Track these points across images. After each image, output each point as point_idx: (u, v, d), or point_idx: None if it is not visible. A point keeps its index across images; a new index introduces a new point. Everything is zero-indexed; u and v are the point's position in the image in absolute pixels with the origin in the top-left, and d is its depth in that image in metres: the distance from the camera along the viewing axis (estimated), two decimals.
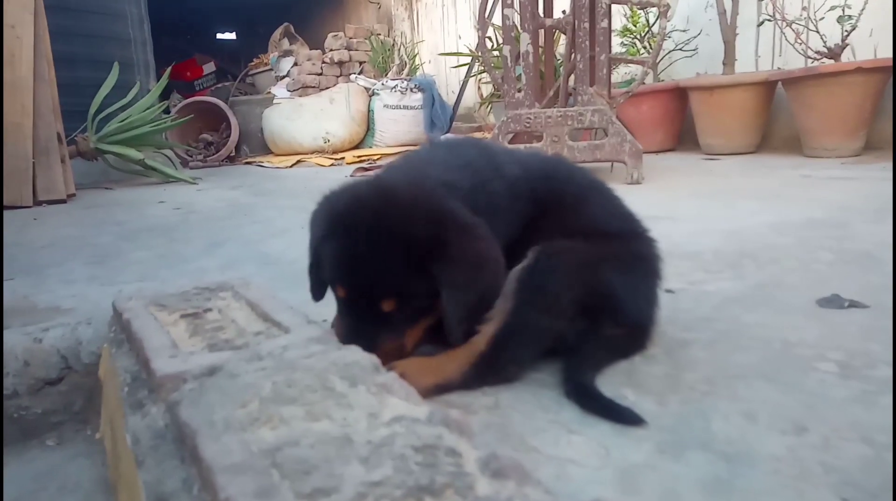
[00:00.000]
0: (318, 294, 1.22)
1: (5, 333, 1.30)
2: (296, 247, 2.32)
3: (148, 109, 5.26)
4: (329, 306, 1.53)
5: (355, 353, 0.91)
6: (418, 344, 1.15)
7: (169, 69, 5.81)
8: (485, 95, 7.00)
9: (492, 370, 1.06)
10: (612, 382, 1.14)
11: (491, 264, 1.09)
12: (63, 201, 4.22)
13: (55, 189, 4.20)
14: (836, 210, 2.46)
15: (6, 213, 3.81)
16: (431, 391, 1.06)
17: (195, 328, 1.15)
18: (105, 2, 5.62)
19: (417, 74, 8.36)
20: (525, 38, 3.52)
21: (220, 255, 2.32)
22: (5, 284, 2.05)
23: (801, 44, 4.30)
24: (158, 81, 6.15)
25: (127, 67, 5.50)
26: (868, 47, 4.26)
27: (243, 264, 2.10)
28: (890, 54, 4.04)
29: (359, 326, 1.08)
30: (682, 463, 0.87)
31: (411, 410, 0.77)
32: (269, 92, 8.83)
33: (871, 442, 0.87)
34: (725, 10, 4.57)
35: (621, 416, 0.94)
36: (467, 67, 6.57)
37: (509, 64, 3.61)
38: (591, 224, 1.23)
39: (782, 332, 1.31)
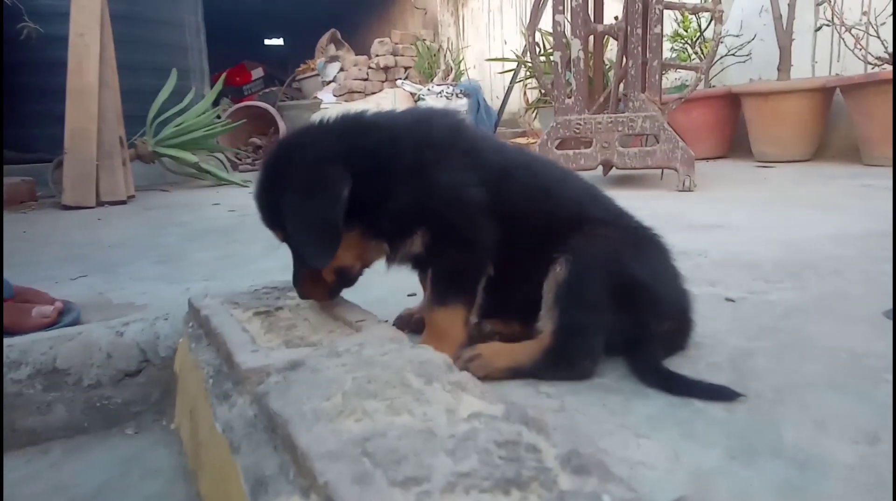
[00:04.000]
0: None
1: (89, 326, 1.39)
2: None
3: (203, 114, 5.43)
4: (393, 304, 1.58)
5: (428, 352, 0.95)
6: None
7: (223, 76, 5.99)
8: (530, 101, 7.00)
9: (562, 363, 1.10)
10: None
11: (326, 180, 1.15)
12: (123, 203, 4.39)
13: (117, 191, 4.37)
14: None
15: (73, 213, 3.99)
16: (504, 373, 1.11)
17: (269, 325, 1.21)
18: (165, 11, 5.83)
19: (462, 79, 8.42)
20: (576, 45, 3.53)
21: (278, 257, 2.38)
22: (82, 280, 2.15)
23: (860, 49, 4.19)
24: (212, 86, 6.35)
25: (183, 73, 5.69)
26: None
27: None
28: None
29: (293, 262, 1.26)
30: (754, 469, 0.87)
31: (488, 407, 0.81)
32: (316, 97, 9.02)
33: None
34: (781, 15, 4.48)
35: (718, 393, 0.98)
36: (513, 72, 6.59)
37: (559, 70, 3.62)
38: (583, 214, 1.23)
39: (849, 342, 1.30)
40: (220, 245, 2.72)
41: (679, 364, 1.24)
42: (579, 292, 1.11)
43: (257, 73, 12.22)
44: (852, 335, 1.34)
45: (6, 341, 1.32)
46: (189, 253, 2.60)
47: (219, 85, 5.68)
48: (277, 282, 1.41)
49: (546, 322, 1.14)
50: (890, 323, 1.41)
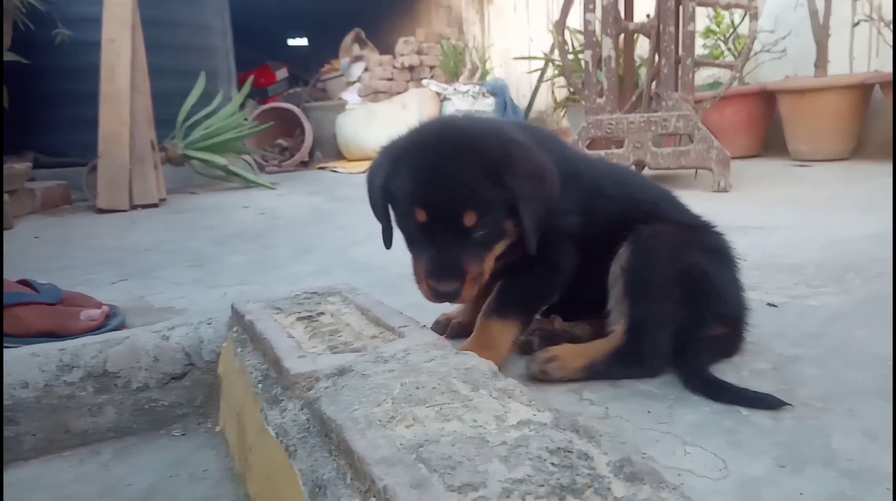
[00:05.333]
0: (390, 239, 1.26)
1: (136, 330, 1.43)
2: (383, 254, 2.43)
3: (231, 117, 5.49)
4: (431, 313, 1.58)
5: (473, 358, 0.96)
6: (494, 277, 1.20)
7: (251, 79, 6.07)
8: (558, 100, 6.96)
9: (633, 361, 1.14)
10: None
11: (551, 176, 1.16)
12: (156, 205, 4.46)
13: (149, 194, 4.44)
14: None
15: (107, 217, 4.08)
16: (580, 373, 1.16)
17: (313, 330, 1.23)
18: (193, 15, 5.91)
19: (488, 78, 8.40)
20: (607, 43, 3.50)
21: (310, 261, 2.42)
22: (121, 284, 2.21)
23: None
24: (238, 88, 6.42)
25: (211, 76, 5.77)
26: None
27: (335, 270, 2.19)
28: None
29: (442, 254, 1.10)
30: (804, 478, 0.87)
31: (536, 415, 0.81)
32: (341, 97, 9.06)
33: None
34: (817, 10, 4.40)
35: (763, 401, 0.99)
36: (540, 71, 6.55)
37: (590, 69, 3.61)
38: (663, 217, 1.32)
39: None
40: (251, 249, 2.76)
41: (723, 371, 1.23)
42: (645, 277, 1.16)
43: (281, 73, 12.30)
44: None
45: (59, 344, 1.37)
46: (221, 257, 2.65)
47: (246, 87, 5.75)
48: (317, 287, 1.43)
49: (616, 317, 1.19)
50: None
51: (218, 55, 6.30)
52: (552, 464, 0.69)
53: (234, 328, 1.36)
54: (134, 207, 4.26)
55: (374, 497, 0.67)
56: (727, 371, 1.25)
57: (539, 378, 1.16)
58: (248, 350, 1.23)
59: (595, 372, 1.14)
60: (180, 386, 1.39)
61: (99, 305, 1.63)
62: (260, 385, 1.07)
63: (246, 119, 6.21)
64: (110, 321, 1.64)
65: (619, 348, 1.16)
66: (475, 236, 1.10)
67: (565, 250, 1.22)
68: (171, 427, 1.37)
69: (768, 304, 1.57)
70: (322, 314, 1.30)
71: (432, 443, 0.73)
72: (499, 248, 1.15)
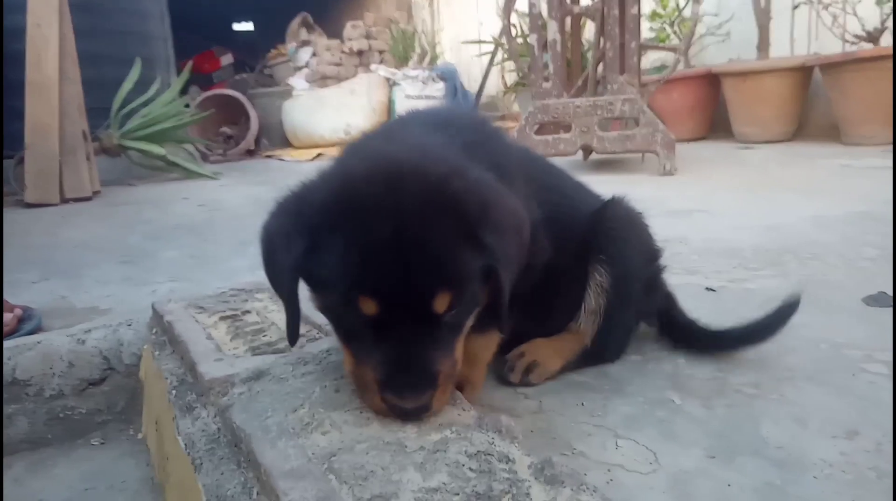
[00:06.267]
0: (297, 333, 0.92)
1: (49, 334, 1.33)
2: None
3: (169, 104, 5.29)
4: None
5: None
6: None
7: (190, 64, 5.85)
8: (508, 84, 6.94)
9: (598, 358, 1.13)
10: (657, 385, 1.13)
11: (525, 224, 0.91)
12: (89, 199, 4.26)
13: (81, 187, 4.24)
14: (879, 204, 2.40)
15: (36, 211, 3.88)
16: (556, 374, 1.10)
17: (236, 330, 1.16)
18: (128, 0, 5.67)
19: (438, 62, 8.31)
20: (553, 27, 3.48)
21: (249, 254, 2.33)
22: (43, 283, 2.09)
23: (838, 27, 4.18)
24: (178, 75, 6.19)
25: (148, 62, 5.52)
26: None
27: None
28: None
29: (404, 357, 0.79)
30: (734, 470, 0.86)
31: (461, 414, 0.78)
32: (288, 83, 8.83)
33: None
34: None
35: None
36: (490, 55, 6.51)
37: (536, 53, 3.58)
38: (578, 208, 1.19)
39: (829, 332, 1.29)
40: (189, 244, 2.66)
41: (660, 357, 1.22)
42: (621, 298, 1.12)
43: (226, 59, 11.94)
44: (832, 325, 1.33)
45: None
46: (156, 252, 2.54)
47: (185, 73, 5.55)
48: (245, 284, 1.37)
49: (586, 325, 1.15)
50: (868, 310, 1.40)
51: (155, 41, 6.04)
52: (470, 469, 0.65)
53: (154, 330, 1.28)
54: (65, 200, 4.05)
55: None
56: (663, 358, 1.25)
57: (518, 384, 1.07)
58: (167, 353, 1.16)
59: (567, 370, 1.11)
60: (99, 392, 1.31)
61: (11, 308, 1.52)
62: (174, 391, 1.01)
63: (188, 106, 6.00)
64: (23, 325, 1.54)
65: (588, 347, 1.14)
66: (445, 321, 0.80)
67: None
68: (91, 436, 1.28)
69: (707, 288, 1.57)
70: (247, 312, 1.23)
71: (346, 452, 0.68)
72: (468, 324, 0.87)
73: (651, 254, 1.23)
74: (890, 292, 1.42)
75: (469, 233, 0.79)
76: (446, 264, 0.78)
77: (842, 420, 0.96)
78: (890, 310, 1.35)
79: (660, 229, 2.35)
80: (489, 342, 0.96)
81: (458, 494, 0.62)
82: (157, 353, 1.19)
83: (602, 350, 1.12)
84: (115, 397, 1.32)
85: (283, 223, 0.85)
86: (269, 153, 7.30)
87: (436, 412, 0.80)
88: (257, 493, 0.68)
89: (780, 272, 1.66)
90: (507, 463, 0.67)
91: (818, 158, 3.75)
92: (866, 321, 1.34)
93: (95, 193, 4.31)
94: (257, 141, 7.43)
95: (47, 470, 1.20)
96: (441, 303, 0.77)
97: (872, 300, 1.41)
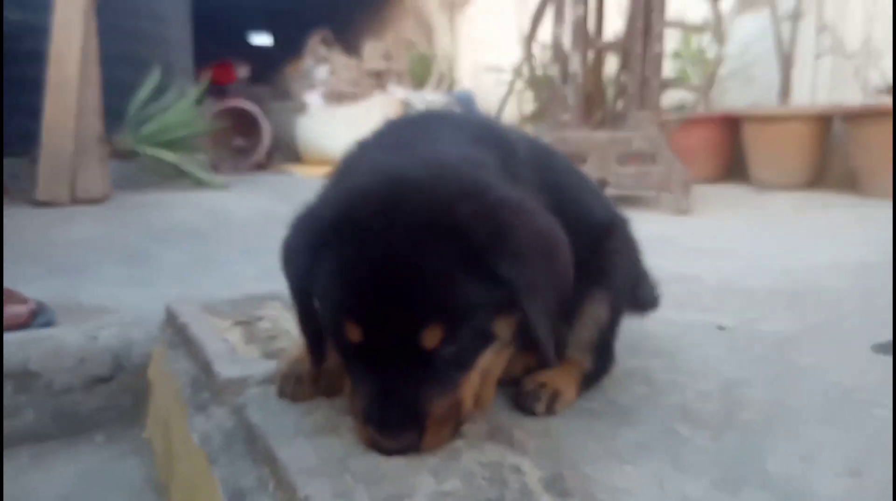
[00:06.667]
0: (321, 352, 0.86)
1: (62, 329, 1.36)
2: None
3: (185, 112, 5.36)
4: None
5: None
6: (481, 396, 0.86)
7: (209, 76, 5.95)
8: (526, 113, 7.01)
9: (596, 378, 1.10)
10: (665, 416, 1.14)
11: (562, 246, 0.82)
12: (99, 201, 4.29)
13: (92, 189, 4.26)
14: (892, 254, 2.42)
15: (46, 210, 3.93)
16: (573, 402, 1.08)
17: (250, 335, 1.18)
18: (151, 4, 5.74)
19: (456, 88, 8.39)
20: (575, 59, 3.53)
21: (256, 263, 2.36)
22: (52, 280, 2.12)
23: (860, 79, 4.22)
24: (196, 83, 6.27)
25: (167, 69, 5.56)
26: None
27: (280, 274, 2.18)
28: None
29: (387, 391, 0.74)
30: (739, 499, 0.87)
31: (472, 427, 0.79)
32: (303, 99, 8.93)
33: None
34: (783, 40, 4.52)
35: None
36: (509, 83, 6.59)
37: (557, 84, 3.63)
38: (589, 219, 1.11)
39: (839, 376, 1.30)
40: (195, 248, 2.70)
41: (668, 391, 1.23)
42: (614, 323, 1.12)
43: (243, 71, 12.11)
44: (843, 369, 1.34)
45: None
46: (163, 255, 2.58)
47: (204, 84, 5.64)
48: (257, 291, 1.39)
49: (583, 352, 1.12)
50: (878, 357, 1.41)
51: (175, 47, 6.10)
52: (483, 478, 0.67)
53: (167, 330, 1.30)
54: (76, 201, 4.10)
55: None
56: (673, 392, 1.25)
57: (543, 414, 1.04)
58: (180, 354, 1.18)
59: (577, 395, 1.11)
60: (106, 390, 1.32)
61: (25, 300, 1.55)
62: (188, 389, 1.03)
63: (201, 116, 6.05)
64: (37, 318, 1.56)
65: (588, 373, 1.12)
66: (443, 356, 0.75)
67: None
68: (94, 433, 1.29)
69: (718, 327, 1.58)
70: (261, 319, 1.25)
71: (361, 455, 0.70)
72: (485, 358, 0.81)
73: (639, 278, 1.22)
74: None
75: (477, 262, 0.73)
76: (439, 294, 0.72)
77: (848, 460, 0.96)
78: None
79: (674, 266, 2.37)
80: (500, 359, 0.94)
81: (471, 497, 0.63)
82: (169, 353, 1.21)
83: (600, 371, 1.12)
84: (122, 396, 1.33)
85: (294, 238, 0.82)
86: (280, 167, 7.37)
87: (427, 451, 0.76)
88: (273, 487, 0.70)
89: (793, 316, 1.67)
90: (518, 475, 0.69)
91: (835, 206, 3.76)
92: (876, 368, 1.35)
93: (106, 195, 4.36)
94: (269, 154, 7.50)
95: (49, 464, 1.21)
96: (431, 337, 0.72)
97: (882, 348, 1.41)
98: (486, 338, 0.78)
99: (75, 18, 4.22)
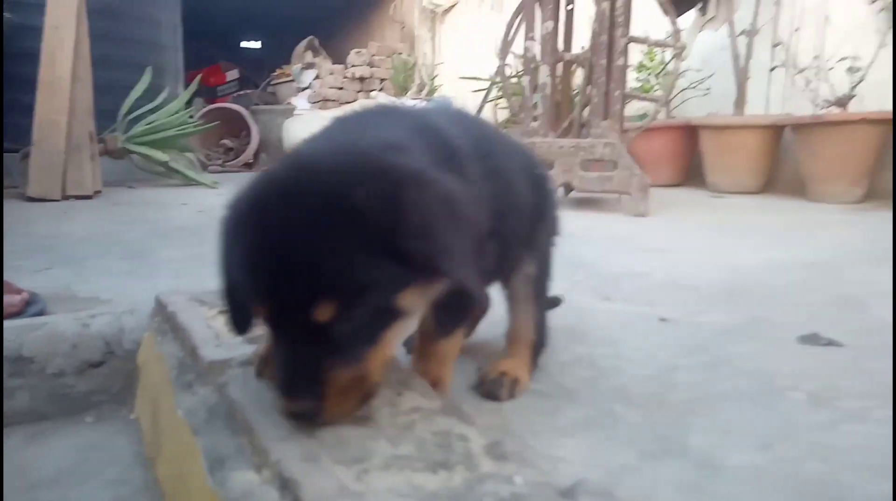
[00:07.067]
0: (240, 324, 0.93)
1: (56, 316, 1.44)
2: None
3: (176, 113, 5.43)
4: None
5: None
6: (387, 367, 0.89)
7: (199, 77, 6.01)
8: (500, 120, 7.17)
9: (540, 348, 1.27)
10: (607, 397, 1.25)
11: (464, 201, 0.85)
12: (90, 197, 4.37)
13: (84, 185, 4.35)
14: (831, 254, 2.58)
15: (38, 205, 3.97)
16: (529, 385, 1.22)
17: None
18: (143, 8, 5.83)
19: (436, 94, 8.55)
20: (544, 71, 3.68)
21: None
22: (47, 272, 2.18)
23: (810, 91, 4.44)
24: (186, 85, 6.34)
25: (158, 71, 5.68)
26: (875, 99, 4.39)
27: None
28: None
29: (294, 357, 0.80)
30: (661, 468, 0.99)
31: (427, 403, 0.90)
32: (290, 102, 9.04)
33: (828, 461, 0.99)
34: (739, 54, 4.73)
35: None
36: (485, 91, 6.74)
37: (527, 93, 3.77)
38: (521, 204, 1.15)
39: (763, 363, 1.43)
40: (189, 245, 2.76)
41: (610, 375, 1.35)
42: (543, 277, 1.27)
43: (232, 74, 12.18)
44: (768, 357, 1.47)
45: None
46: (156, 251, 2.64)
47: (193, 86, 5.70)
48: None
49: (523, 316, 1.26)
50: (802, 347, 1.55)
51: (166, 51, 6.21)
52: (433, 445, 0.78)
53: (156, 319, 1.40)
54: (67, 197, 4.15)
55: (269, 469, 0.74)
56: (613, 375, 1.36)
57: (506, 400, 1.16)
58: (169, 339, 1.28)
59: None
60: (98, 374, 1.41)
61: (19, 291, 1.63)
62: (176, 371, 1.12)
63: (192, 117, 6.13)
64: (29, 307, 1.64)
65: (535, 342, 1.26)
66: (342, 331, 0.78)
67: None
68: (85, 414, 1.39)
69: (661, 319, 1.71)
70: None
71: (329, 426, 0.81)
72: (399, 329, 0.85)
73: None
74: (823, 334, 1.57)
75: (378, 242, 0.76)
76: (330, 273, 0.75)
77: (760, 435, 1.09)
78: (819, 349, 1.50)
79: (628, 264, 2.51)
80: (456, 342, 1.06)
81: (420, 461, 0.74)
82: (159, 339, 1.30)
83: (542, 339, 1.26)
84: (113, 379, 1.42)
85: (223, 220, 0.87)
86: (267, 168, 7.43)
87: (330, 421, 0.81)
88: (250, 454, 0.79)
89: (730, 310, 1.81)
90: (464, 442, 0.80)
91: (784, 211, 3.96)
92: (798, 356, 1.49)
93: (97, 192, 4.41)
94: (256, 155, 7.56)
95: (44, 442, 1.30)
96: (323, 313, 0.76)
97: (806, 339, 1.56)
98: (390, 314, 0.82)
99: (67, 20, 4.28)
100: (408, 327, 0.89)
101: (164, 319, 1.35)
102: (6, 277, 1.78)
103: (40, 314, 1.63)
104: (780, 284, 2.11)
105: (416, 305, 0.85)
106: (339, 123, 1.04)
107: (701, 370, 1.38)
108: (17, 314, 1.60)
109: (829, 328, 1.60)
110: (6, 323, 1.37)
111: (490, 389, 1.17)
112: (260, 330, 1.20)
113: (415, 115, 1.06)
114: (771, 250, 2.65)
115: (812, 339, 1.56)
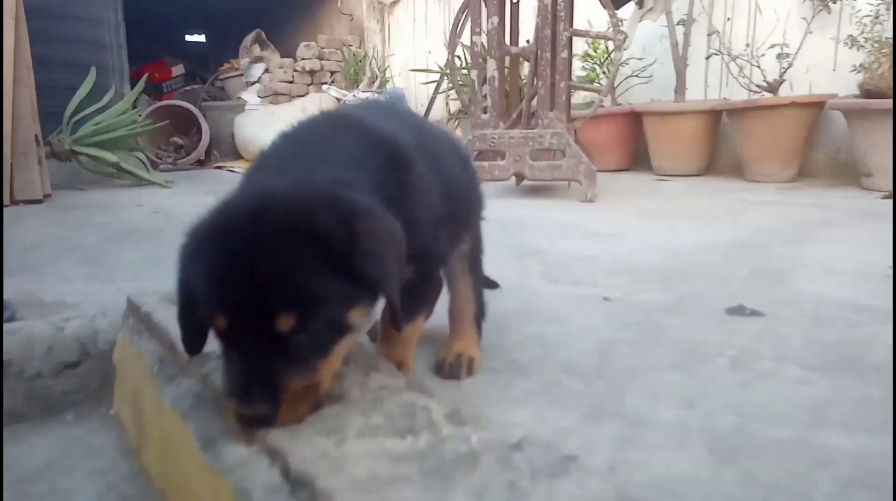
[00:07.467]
0: (194, 343, 1.05)
1: (31, 322, 1.49)
2: None
3: (123, 113, 5.36)
4: None
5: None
6: (335, 377, 0.98)
7: (146, 76, 5.93)
8: (452, 111, 7.28)
9: (483, 316, 1.40)
10: (552, 370, 1.39)
11: (401, 239, 0.98)
12: (39, 202, 4.31)
13: (32, 190, 4.28)
14: (761, 233, 2.79)
15: None
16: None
17: None
18: (83, 7, 5.72)
19: (388, 86, 8.60)
20: (492, 64, 3.81)
21: None
22: (7, 279, 2.19)
23: (744, 77, 4.69)
24: (132, 84, 6.25)
25: (102, 71, 5.59)
26: (804, 83, 4.68)
27: None
28: (824, 91, 4.47)
29: (251, 365, 0.87)
30: (599, 427, 1.13)
31: (393, 381, 1.01)
32: (240, 97, 8.95)
33: (741, 414, 1.15)
34: (678, 43, 4.95)
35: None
36: (436, 83, 6.83)
37: (476, 87, 3.89)
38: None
39: (692, 334, 1.60)
40: (147, 247, 2.80)
41: (557, 350, 1.49)
42: (477, 251, 1.40)
43: (178, 70, 11.92)
44: (697, 329, 1.64)
45: None
46: (114, 254, 2.67)
47: (140, 85, 5.62)
48: None
49: (464, 290, 1.37)
50: (728, 318, 1.72)
51: (110, 50, 6.11)
52: (399, 415, 0.89)
53: (130, 319, 1.47)
54: (15, 202, 4.09)
55: (257, 443, 0.85)
56: (559, 350, 1.50)
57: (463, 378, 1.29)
58: (145, 338, 1.35)
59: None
60: (74, 374, 1.48)
61: None
62: (157, 366, 1.21)
63: (140, 116, 6.05)
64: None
65: (476, 317, 1.38)
66: (299, 342, 0.87)
67: (441, 248, 1.17)
68: (65, 413, 1.45)
69: (604, 298, 1.86)
70: None
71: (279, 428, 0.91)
72: (347, 342, 0.96)
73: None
74: (748, 306, 1.75)
75: (335, 263, 0.86)
76: (292, 288, 0.84)
77: (686, 396, 1.24)
78: (743, 319, 1.67)
79: (575, 248, 2.67)
80: (416, 328, 1.18)
81: (389, 428, 0.86)
82: (135, 338, 1.37)
83: (482, 309, 1.39)
84: (89, 379, 1.49)
85: (182, 245, 0.97)
86: (219, 164, 7.38)
87: (282, 425, 0.87)
88: (238, 433, 0.89)
89: (666, 287, 1.97)
90: (426, 412, 0.91)
91: (721, 192, 4.20)
92: (724, 327, 1.66)
93: (46, 196, 4.35)
94: (208, 152, 7.50)
95: (27, 440, 1.36)
96: (284, 323, 0.84)
97: (732, 311, 1.73)
98: (341, 329, 0.92)
99: (6, 23, 4.18)
100: (352, 342, 0.99)
101: (139, 319, 1.42)
102: None
103: (11, 319, 1.67)
104: (711, 262, 2.29)
105: (360, 322, 0.95)
106: (287, 144, 1.13)
107: (636, 342, 1.54)
108: None
109: (753, 300, 1.78)
110: None
111: (451, 372, 1.30)
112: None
113: (359, 127, 1.13)
114: (706, 231, 2.84)
115: (737, 310, 1.74)
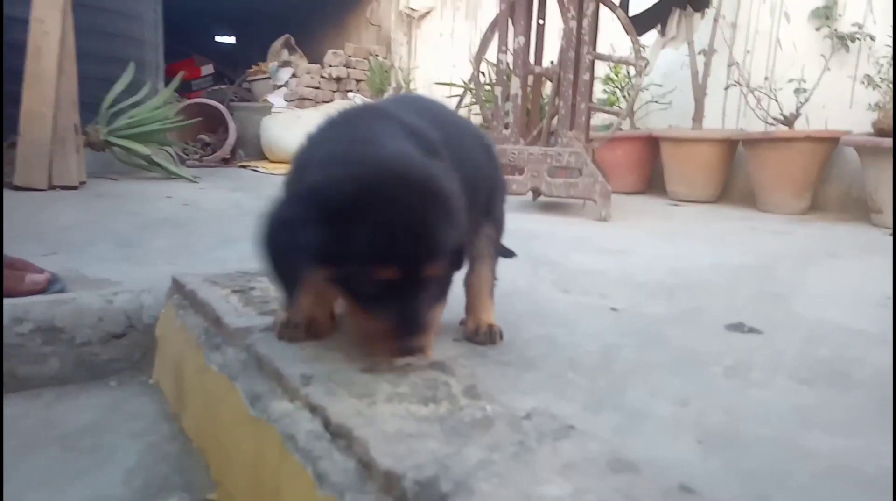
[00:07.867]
0: (296, 295, 1.13)
1: (82, 293, 1.63)
2: None
3: (157, 108, 5.55)
4: None
5: None
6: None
7: (181, 74, 6.12)
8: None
9: (495, 283, 1.52)
10: (559, 365, 1.50)
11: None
12: (75, 188, 4.48)
13: (68, 176, 4.45)
14: (768, 258, 2.89)
15: (24, 194, 4.08)
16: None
17: (246, 299, 1.49)
18: (128, 3, 5.93)
19: None
20: (516, 82, 3.94)
21: (235, 249, 2.63)
22: (51, 257, 2.34)
23: (761, 109, 4.80)
24: (165, 80, 6.44)
25: (139, 66, 5.78)
26: (820, 118, 4.78)
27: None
28: (839, 127, 4.56)
29: (413, 308, 1.07)
30: (599, 417, 1.24)
31: (416, 361, 1.13)
32: (266, 100, 9.15)
33: (731, 414, 1.25)
34: (698, 72, 5.07)
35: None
36: (459, 97, 6.99)
37: (499, 103, 4.03)
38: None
39: (692, 344, 1.70)
40: (177, 235, 2.92)
41: (564, 349, 1.60)
42: (499, 237, 1.54)
43: (207, 69, 12.18)
44: (697, 340, 1.74)
45: (11, 300, 1.55)
46: (146, 240, 2.80)
47: (177, 81, 5.82)
48: (247, 268, 1.69)
49: (486, 269, 1.49)
50: (727, 333, 1.82)
51: (148, 46, 6.30)
52: (423, 386, 1.01)
53: (175, 296, 1.59)
54: (52, 187, 4.27)
55: (299, 400, 0.96)
56: (566, 349, 1.61)
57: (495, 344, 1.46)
58: (189, 313, 1.48)
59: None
60: (120, 344, 1.61)
61: (41, 270, 1.80)
62: (203, 337, 1.33)
63: (172, 113, 6.22)
64: (52, 286, 1.82)
65: (494, 283, 1.51)
66: (437, 284, 1.08)
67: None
68: (108, 379, 1.58)
69: (611, 309, 1.97)
70: (253, 288, 1.56)
71: (342, 372, 1.03)
72: (450, 287, 1.16)
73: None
74: (748, 323, 1.85)
75: (450, 219, 1.06)
76: (442, 241, 1.04)
77: (682, 395, 1.35)
78: (741, 335, 1.78)
79: (587, 262, 2.78)
80: (439, 312, 1.26)
81: (414, 396, 0.97)
82: (180, 312, 1.50)
83: (496, 277, 1.52)
84: (133, 350, 1.62)
85: (301, 214, 1.03)
86: (243, 163, 7.57)
87: (427, 352, 1.11)
88: (281, 392, 1.01)
89: (671, 302, 2.08)
90: (446, 386, 1.03)
91: (733, 219, 4.29)
92: (722, 340, 1.76)
93: (82, 183, 4.52)
94: (233, 151, 7.69)
95: (73, 401, 1.49)
96: (434, 270, 1.05)
97: (732, 327, 1.83)
98: (450, 275, 1.15)
99: (53, 14, 4.39)
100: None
101: (184, 296, 1.55)
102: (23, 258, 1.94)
103: (62, 291, 1.81)
104: (717, 282, 2.39)
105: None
106: (343, 123, 1.26)
107: (639, 347, 1.64)
108: (42, 292, 1.77)
109: (753, 319, 1.88)
110: (40, 297, 1.56)
111: (487, 338, 1.46)
112: (273, 306, 1.41)
113: (394, 117, 1.26)
114: (715, 254, 2.94)
115: (737, 327, 1.84)
